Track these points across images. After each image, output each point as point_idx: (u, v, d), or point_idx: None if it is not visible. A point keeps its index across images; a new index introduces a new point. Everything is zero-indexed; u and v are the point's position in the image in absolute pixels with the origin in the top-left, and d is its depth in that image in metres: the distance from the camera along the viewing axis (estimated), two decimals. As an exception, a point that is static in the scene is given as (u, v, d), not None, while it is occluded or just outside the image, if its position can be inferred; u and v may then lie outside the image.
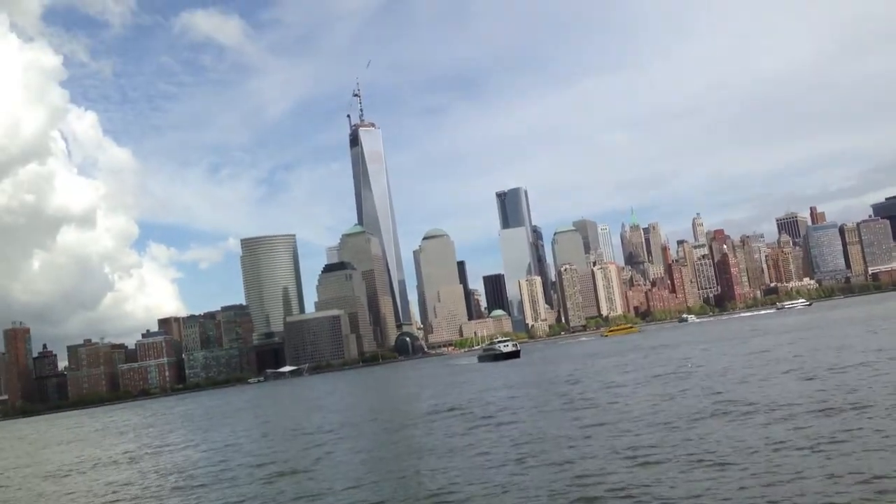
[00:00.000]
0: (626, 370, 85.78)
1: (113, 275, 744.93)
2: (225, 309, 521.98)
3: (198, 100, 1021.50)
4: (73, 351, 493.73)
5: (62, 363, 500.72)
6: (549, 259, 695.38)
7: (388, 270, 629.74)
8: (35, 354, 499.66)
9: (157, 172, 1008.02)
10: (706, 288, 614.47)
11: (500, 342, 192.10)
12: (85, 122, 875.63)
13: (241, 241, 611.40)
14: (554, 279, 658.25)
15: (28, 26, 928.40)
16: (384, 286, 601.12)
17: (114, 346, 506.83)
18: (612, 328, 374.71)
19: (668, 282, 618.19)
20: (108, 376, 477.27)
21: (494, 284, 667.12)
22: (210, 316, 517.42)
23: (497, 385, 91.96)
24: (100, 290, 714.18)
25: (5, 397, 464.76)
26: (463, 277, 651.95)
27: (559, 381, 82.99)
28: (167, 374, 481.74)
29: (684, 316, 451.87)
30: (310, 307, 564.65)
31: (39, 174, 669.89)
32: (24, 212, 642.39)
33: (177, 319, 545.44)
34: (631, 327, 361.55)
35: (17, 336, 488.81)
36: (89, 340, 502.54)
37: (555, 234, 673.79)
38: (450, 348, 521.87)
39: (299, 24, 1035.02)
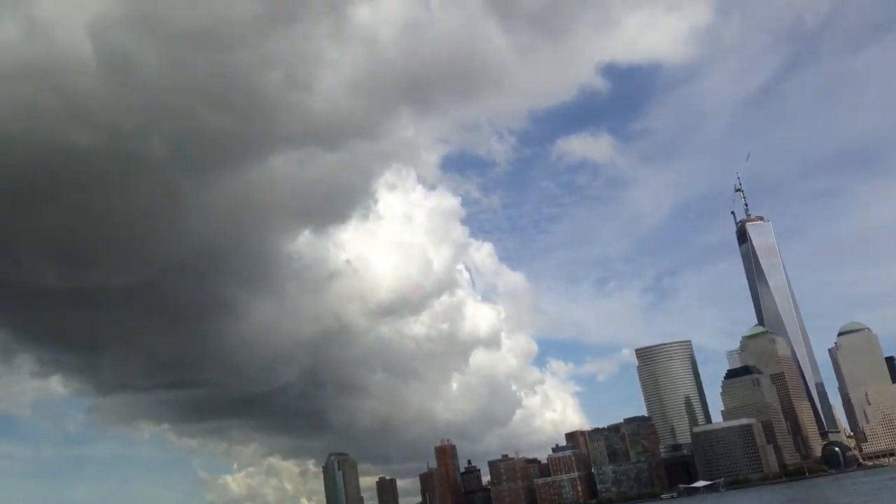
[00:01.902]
0: None
1: (519, 392, 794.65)
2: (628, 421, 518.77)
3: (578, 218, 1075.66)
4: (493, 466, 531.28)
5: (485, 477, 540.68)
6: None
7: (801, 372, 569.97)
8: (462, 469, 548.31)
9: (548, 291, 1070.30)
10: None
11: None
12: (483, 253, 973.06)
13: (636, 351, 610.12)
14: None
15: (430, 176, 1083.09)
16: (798, 390, 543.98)
17: (528, 461, 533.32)
18: None
19: None
20: (526, 490, 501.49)
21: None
22: (614, 428, 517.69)
23: None
24: (510, 407, 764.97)
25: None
26: (895, 375, 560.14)
27: None
28: (579, 488, 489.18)
29: None
30: (715, 416, 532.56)
31: (451, 304, 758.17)
32: (441, 339, 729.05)
33: (582, 433, 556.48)
34: None
35: (446, 452, 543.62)
36: (506, 455, 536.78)
37: None
38: (892, 459, 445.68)
39: (667, 129, 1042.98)
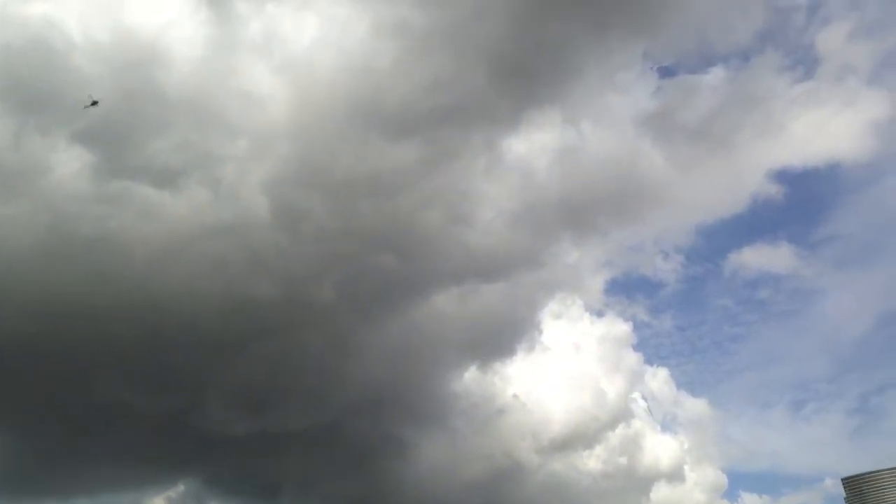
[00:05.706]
0: None
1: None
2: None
3: (765, 336, 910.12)
4: None
5: None
6: None
7: None
8: None
9: (737, 418, 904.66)
10: None
11: None
12: (659, 380, 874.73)
13: (842, 480, 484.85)
14: None
15: (595, 302, 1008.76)
16: None
17: None
18: None
19: None
20: None
21: None
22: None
23: None
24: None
25: None
26: None
27: None
28: None
29: None
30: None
31: (627, 437, 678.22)
32: (619, 474, 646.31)
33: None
34: None
35: None
36: None
37: None
38: None
39: (860, 234, 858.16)
